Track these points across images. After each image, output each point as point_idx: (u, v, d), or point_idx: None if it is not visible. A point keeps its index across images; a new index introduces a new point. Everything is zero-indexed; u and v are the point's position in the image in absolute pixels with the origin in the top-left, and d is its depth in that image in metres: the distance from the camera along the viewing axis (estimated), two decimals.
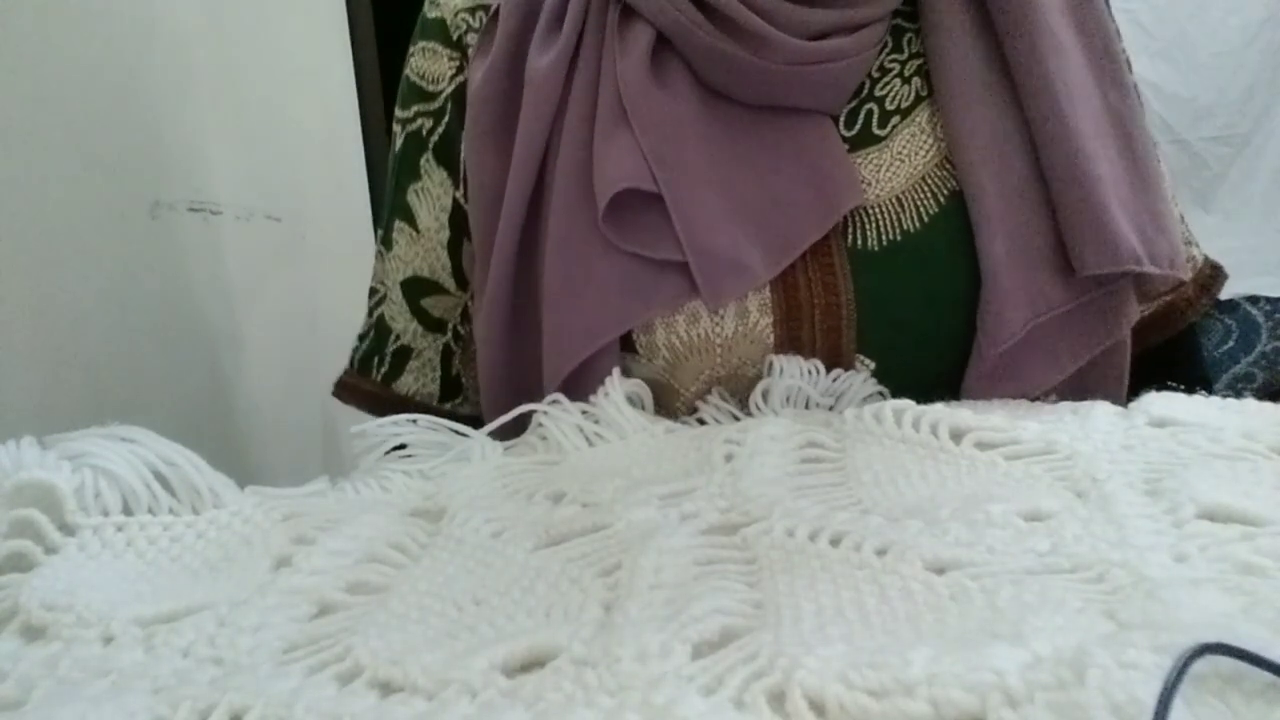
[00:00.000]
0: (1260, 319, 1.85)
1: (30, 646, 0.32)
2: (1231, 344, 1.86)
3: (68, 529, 0.39)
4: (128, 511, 0.40)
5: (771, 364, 0.51)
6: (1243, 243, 2.00)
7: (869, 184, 0.53)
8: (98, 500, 0.40)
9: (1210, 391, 0.59)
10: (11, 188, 0.62)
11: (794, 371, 0.50)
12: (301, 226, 1.09)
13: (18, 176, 0.63)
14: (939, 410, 0.45)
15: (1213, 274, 0.61)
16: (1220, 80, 2.15)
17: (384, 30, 1.35)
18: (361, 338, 0.64)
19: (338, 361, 0.65)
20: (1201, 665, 0.23)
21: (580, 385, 0.51)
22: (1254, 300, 1.85)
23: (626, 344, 0.53)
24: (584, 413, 0.50)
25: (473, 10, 0.59)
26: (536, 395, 0.51)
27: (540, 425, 0.50)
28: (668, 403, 0.53)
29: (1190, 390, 0.56)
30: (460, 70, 0.59)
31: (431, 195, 0.60)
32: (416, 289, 0.62)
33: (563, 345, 0.51)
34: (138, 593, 0.36)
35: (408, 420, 0.50)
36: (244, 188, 0.95)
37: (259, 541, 0.40)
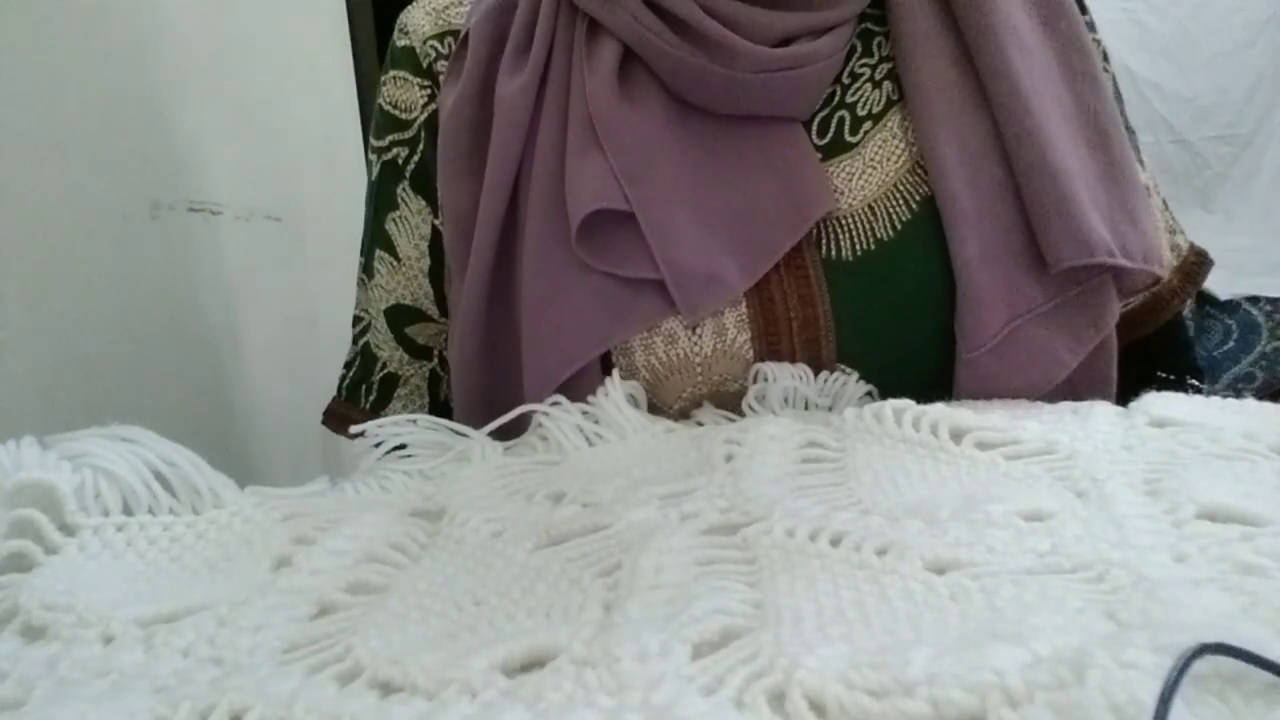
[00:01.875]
0: (1260, 319, 1.85)
1: (30, 646, 0.32)
2: (1231, 344, 1.86)
3: (68, 529, 0.39)
4: (128, 511, 0.40)
5: (760, 371, 0.51)
6: (1243, 243, 2.00)
7: (841, 193, 0.53)
8: (98, 500, 0.40)
9: (1203, 378, 0.59)
10: (11, 188, 0.62)
11: (785, 375, 0.50)
12: (301, 226, 1.09)
13: (18, 177, 0.63)
14: (939, 410, 0.45)
15: (1198, 261, 0.60)
16: (1222, 79, 2.15)
17: (384, 30, 1.35)
18: (348, 365, 0.64)
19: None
20: (1201, 665, 0.23)
21: None
22: (1254, 300, 1.85)
23: (607, 366, 0.52)
24: (584, 413, 0.50)
25: (441, 37, 0.59)
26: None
27: (540, 425, 0.50)
28: None
29: (1181, 378, 0.56)
30: (432, 98, 0.59)
31: (410, 224, 0.60)
32: (400, 317, 0.61)
33: (541, 367, 0.51)
34: (138, 593, 0.36)
35: (408, 420, 0.50)
36: (244, 188, 0.95)
37: (259, 541, 0.40)
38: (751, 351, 0.52)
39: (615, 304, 0.51)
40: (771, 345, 0.52)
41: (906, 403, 0.46)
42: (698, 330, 0.51)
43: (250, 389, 0.94)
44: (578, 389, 0.51)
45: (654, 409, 0.53)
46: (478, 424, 0.52)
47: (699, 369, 0.52)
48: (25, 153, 0.64)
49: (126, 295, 0.75)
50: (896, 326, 0.52)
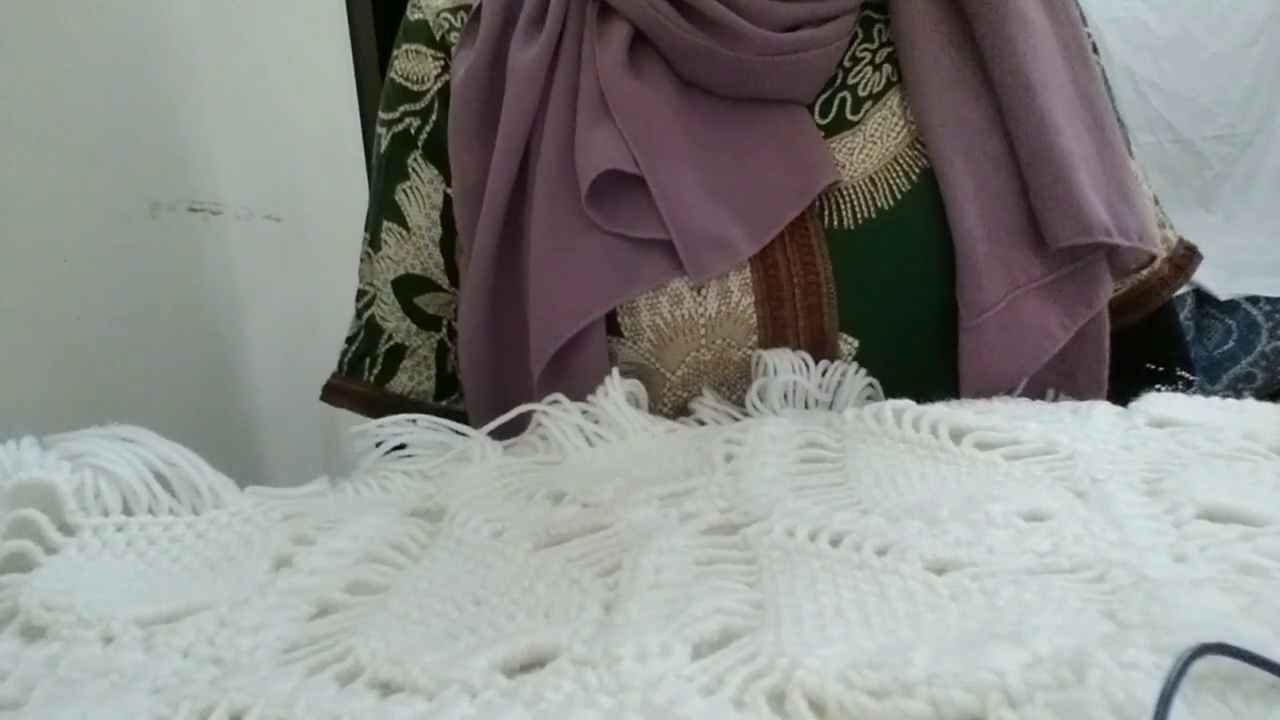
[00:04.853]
0: (1260, 319, 1.85)
1: (30, 646, 0.32)
2: (1231, 344, 1.86)
3: (68, 529, 0.39)
4: (128, 511, 0.40)
5: (762, 360, 0.51)
6: (1243, 243, 2.00)
7: (843, 166, 0.54)
8: (98, 500, 0.40)
9: (1194, 370, 0.60)
10: (12, 188, 0.62)
11: (785, 367, 0.51)
12: (301, 226, 1.09)
13: (18, 176, 0.63)
14: (939, 410, 0.45)
15: (1187, 254, 0.62)
16: (1223, 79, 2.15)
17: (384, 30, 1.35)
18: (350, 340, 0.64)
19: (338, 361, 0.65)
20: (1201, 665, 0.23)
21: (566, 368, 0.51)
22: (1254, 300, 1.85)
23: (612, 327, 0.53)
24: (584, 413, 0.50)
25: (454, 10, 0.60)
26: (520, 385, 0.52)
27: (540, 425, 0.50)
28: (654, 388, 0.54)
29: (1171, 370, 0.57)
30: (445, 70, 0.59)
31: (421, 194, 0.61)
32: (408, 287, 0.62)
33: (549, 325, 0.52)
34: (138, 593, 0.36)
35: (407, 420, 0.50)
36: (244, 188, 0.95)
37: (259, 541, 0.40)
38: (755, 316, 0.53)
39: (623, 263, 0.52)
40: (775, 311, 0.53)
41: (906, 403, 0.46)
42: (703, 292, 0.52)
43: (250, 389, 0.94)
44: (583, 349, 0.52)
45: (657, 376, 0.54)
46: (485, 394, 0.53)
47: (703, 331, 0.53)
48: (25, 153, 0.64)
49: (127, 295, 0.75)
50: (897, 293, 0.53)
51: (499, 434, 0.50)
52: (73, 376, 0.67)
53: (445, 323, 0.63)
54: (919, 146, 0.54)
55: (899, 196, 0.53)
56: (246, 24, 1.02)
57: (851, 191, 0.54)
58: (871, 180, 0.54)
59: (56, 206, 0.67)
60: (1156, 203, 0.62)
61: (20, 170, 0.63)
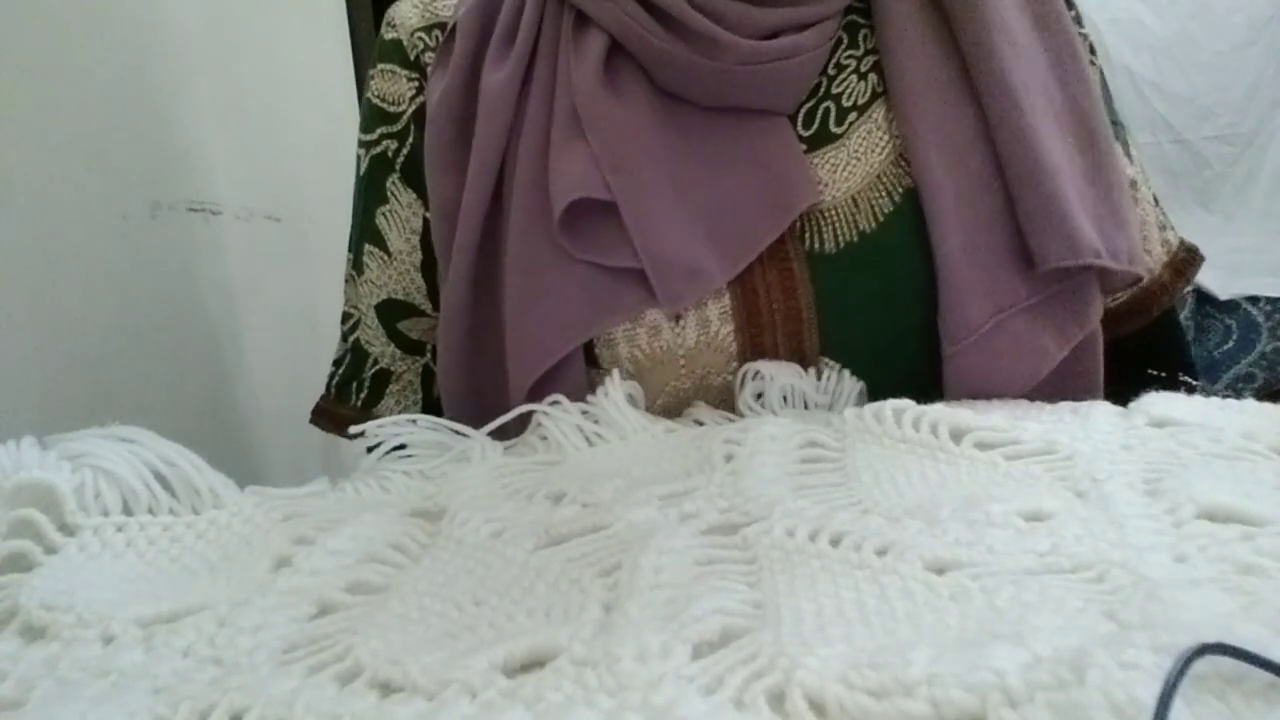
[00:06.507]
0: (1260, 319, 1.85)
1: (30, 646, 0.32)
2: (1231, 344, 1.86)
3: (68, 529, 0.39)
4: (128, 511, 0.40)
5: (758, 371, 0.51)
6: (1243, 243, 2.00)
7: (825, 185, 0.53)
8: (98, 500, 0.40)
9: (1197, 375, 0.59)
10: (12, 188, 0.62)
11: (784, 374, 0.50)
12: (301, 226, 1.09)
13: (18, 176, 0.63)
14: (939, 410, 0.45)
15: (1188, 257, 0.60)
16: (1223, 79, 2.15)
17: None
18: (337, 363, 0.63)
19: None
20: (1201, 665, 0.23)
21: (545, 399, 0.50)
22: (1254, 300, 1.85)
23: (590, 359, 0.52)
24: (584, 413, 0.50)
25: (429, 29, 0.59)
26: (500, 411, 0.50)
27: (540, 425, 0.50)
28: None
29: (1174, 375, 0.56)
30: (420, 91, 0.59)
31: (400, 218, 0.60)
32: (392, 312, 0.61)
33: (525, 358, 0.51)
34: (138, 593, 0.36)
35: (408, 420, 0.50)
36: (244, 188, 0.95)
37: (259, 541, 0.40)
38: (735, 344, 0.52)
39: (597, 294, 0.51)
40: (754, 338, 0.52)
41: (906, 403, 0.46)
42: (681, 322, 0.52)
43: (250, 389, 0.94)
44: (561, 380, 0.51)
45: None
46: (465, 418, 0.52)
47: (682, 361, 0.52)
48: (25, 153, 0.64)
49: (126, 295, 0.75)
50: (879, 319, 0.52)
51: (497, 437, 0.50)
52: (72, 376, 0.67)
53: (429, 347, 0.62)
54: (903, 164, 0.53)
55: (881, 219, 0.52)
56: (246, 24, 1.02)
57: (833, 214, 0.52)
58: (854, 201, 0.52)
59: (56, 206, 0.67)
60: (1157, 203, 0.61)
61: (20, 170, 0.63)
